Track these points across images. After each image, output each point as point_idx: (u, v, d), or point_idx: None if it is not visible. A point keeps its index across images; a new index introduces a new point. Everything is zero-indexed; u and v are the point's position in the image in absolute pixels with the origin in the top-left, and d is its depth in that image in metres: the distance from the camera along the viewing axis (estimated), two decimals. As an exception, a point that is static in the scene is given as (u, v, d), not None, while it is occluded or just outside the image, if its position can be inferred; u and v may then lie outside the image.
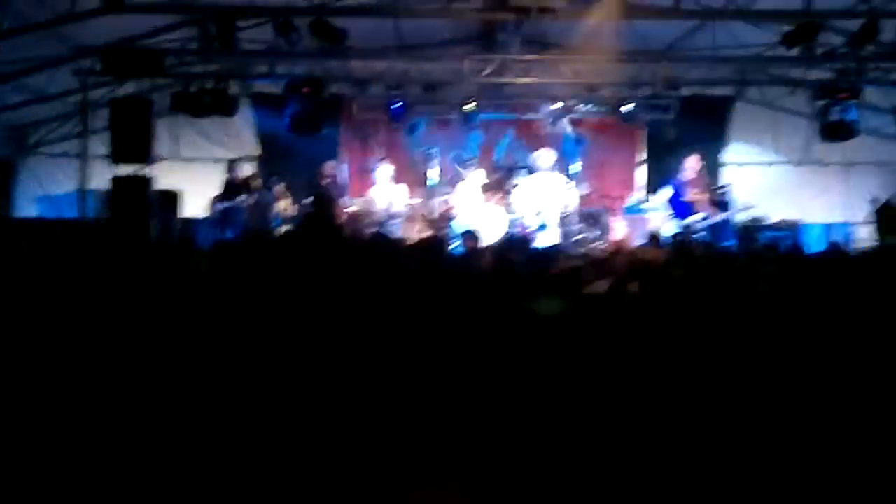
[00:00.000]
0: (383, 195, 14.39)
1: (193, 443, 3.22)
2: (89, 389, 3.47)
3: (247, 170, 15.10)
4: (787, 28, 12.64)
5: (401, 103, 16.11)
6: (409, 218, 15.10)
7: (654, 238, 12.17)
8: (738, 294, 5.10)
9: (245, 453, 3.16)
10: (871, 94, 15.06)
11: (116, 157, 13.74)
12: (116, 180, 13.68)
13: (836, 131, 14.79)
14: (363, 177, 16.64)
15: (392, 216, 14.29)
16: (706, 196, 13.63)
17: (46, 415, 3.31)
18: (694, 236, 12.95)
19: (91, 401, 3.42)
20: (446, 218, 14.65)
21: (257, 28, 13.18)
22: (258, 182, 14.52)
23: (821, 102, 14.56)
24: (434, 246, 8.11)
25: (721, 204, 14.54)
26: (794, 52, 12.99)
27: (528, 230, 13.66)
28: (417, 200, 15.75)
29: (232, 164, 14.56)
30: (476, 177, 14.90)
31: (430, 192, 16.10)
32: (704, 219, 13.32)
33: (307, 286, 4.03)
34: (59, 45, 13.02)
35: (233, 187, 14.19)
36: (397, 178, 15.09)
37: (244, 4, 11.82)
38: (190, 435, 3.25)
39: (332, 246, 3.95)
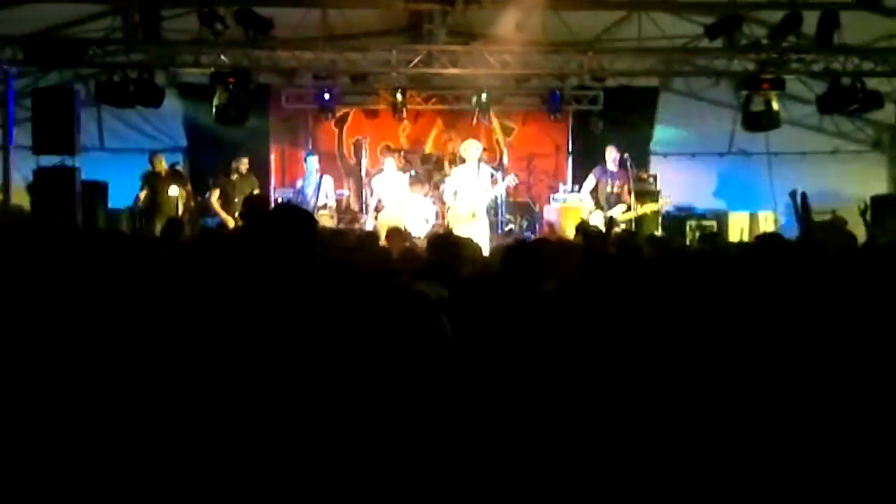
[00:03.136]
0: (312, 186, 14.27)
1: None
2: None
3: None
4: (711, 19, 12.84)
5: (329, 94, 16.07)
6: (336, 210, 15.15)
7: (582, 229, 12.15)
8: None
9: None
10: (793, 85, 15.31)
11: (39, 147, 13.57)
12: (40, 171, 13.53)
13: (758, 121, 14.95)
14: (291, 167, 16.65)
15: (320, 208, 14.15)
16: (628, 187, 13.71)
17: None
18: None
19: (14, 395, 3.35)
20: (375, 210, 14.65)
21: (184, 17, 13.08)
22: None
23: (744, 93, 14.74)
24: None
25: (646, 194, 14.71)
26: (718, 43, 13.19)
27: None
28: (344, 192, 15.78)
29: (154, 156, 14.34)
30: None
31: (361, 184, 16.13)
32: (627, 210, 13.42)
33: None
34: (-20, 34, 12.82)
35: (155, 178, 14.00)
36: (324, 170, 15.00)
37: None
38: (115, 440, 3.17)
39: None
